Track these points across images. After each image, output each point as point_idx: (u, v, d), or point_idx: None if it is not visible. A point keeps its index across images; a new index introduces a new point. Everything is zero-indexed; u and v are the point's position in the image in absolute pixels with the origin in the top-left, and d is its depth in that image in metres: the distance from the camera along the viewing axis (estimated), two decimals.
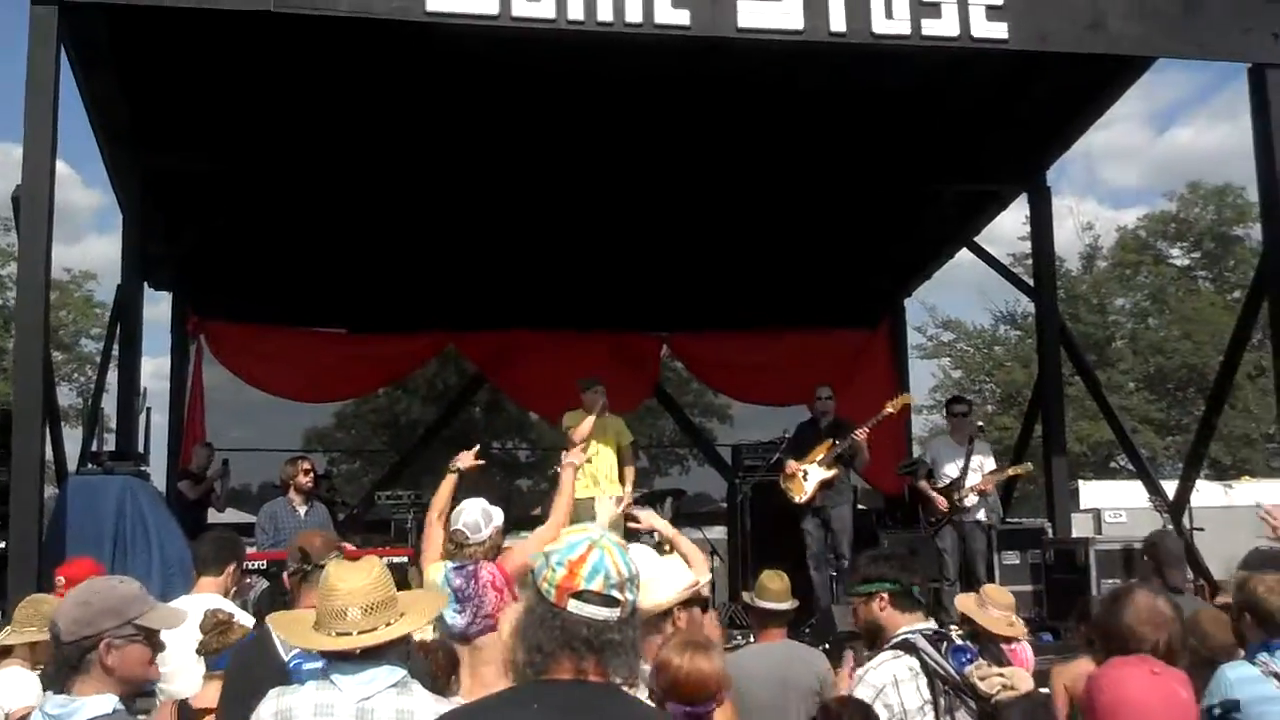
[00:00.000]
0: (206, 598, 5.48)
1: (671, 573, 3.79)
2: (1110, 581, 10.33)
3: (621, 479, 10.10)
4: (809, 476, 10.13)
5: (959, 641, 4.11)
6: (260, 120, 11.23)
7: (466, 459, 6.54)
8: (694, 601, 3.91)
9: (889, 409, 10.18)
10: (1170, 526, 10.99)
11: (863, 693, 3.97)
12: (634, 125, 11.51)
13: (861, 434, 10.05)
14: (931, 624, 4.26)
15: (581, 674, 2.25)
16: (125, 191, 11.71)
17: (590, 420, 9.81)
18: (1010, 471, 11.34)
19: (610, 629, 2.28)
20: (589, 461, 9.65)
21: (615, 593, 2.30)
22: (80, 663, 3.16)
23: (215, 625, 4.48)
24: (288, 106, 11.06)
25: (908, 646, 4.06)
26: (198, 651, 4.56)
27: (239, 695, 3.83)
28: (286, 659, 3.88)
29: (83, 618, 3.19)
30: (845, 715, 3.70)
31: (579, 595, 2.27)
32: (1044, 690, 4.00)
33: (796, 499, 10.14)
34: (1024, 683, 3.91)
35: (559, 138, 11.70)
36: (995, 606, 5.74)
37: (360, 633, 3.16)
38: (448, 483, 6.25)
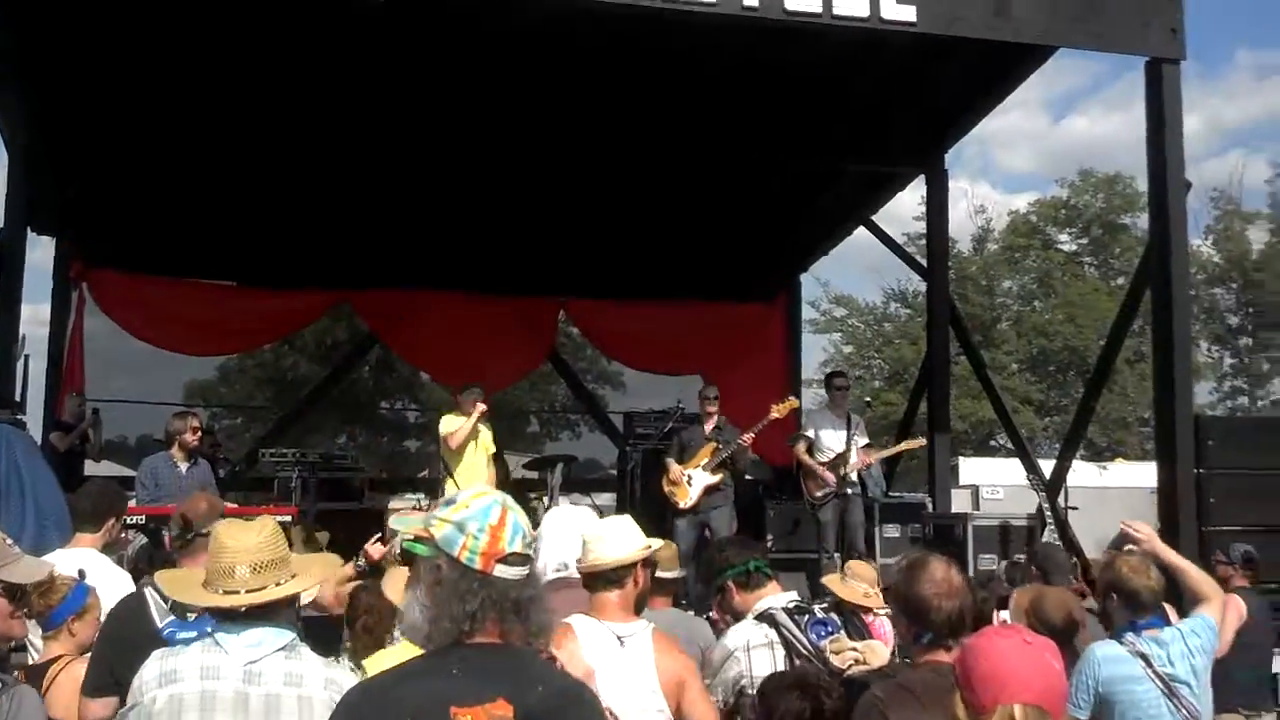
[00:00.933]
0: (82, 552, 5.36)
1: (623, 529, 3.88)
2: (987, 557, 10.64)
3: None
4: (693, 482, 10.10)
5: (820, 615, 4.21)
6: (153, 65, 10.86)
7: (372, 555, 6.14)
8: (649, 563, 4.01)
9: (775, 413, 10.20)
10: (1045, 505, 11.31)
11: (717, 654, 4.09)
12: (542, 90, 11.39)
13: (747, 439, 10.10)
14: (792, 595, 4.38)
15: (504, 635, 2.30)
16: (10, 131, 11.29)
17: (468, 424, 10.43)
18: (903, 446, 11.60)
19: (529, 585, 2.37)
20: (466, 472, 10.24)
21: (529, 551, 2.38)
22: None
23: (39, 589, 4.35)
24: (180, 51, 10.71)
25: (767, 618, 4.18)
26: (27, 616, 4.44)
27: (108, 658, 3.76)
28: (160, 625, 3.81)
29: None
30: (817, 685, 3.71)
31: (504, 559, 2.32)
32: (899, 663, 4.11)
33: (680, 504, 10.09)
34: (878, 657, 4.01)
35: (463, 97, 11.52)
36: (856, 578, 5.85)
37: (248, 591, 3.12)
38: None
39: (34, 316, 19.96)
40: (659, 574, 5.91)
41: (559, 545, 4.38)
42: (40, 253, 14.93)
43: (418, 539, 2.43)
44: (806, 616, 4.23)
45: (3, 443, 8.00)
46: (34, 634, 4.85)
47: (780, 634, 4.15)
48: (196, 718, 2.94)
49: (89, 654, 4.28)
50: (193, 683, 2.96)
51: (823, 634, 4.15)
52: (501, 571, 2.31)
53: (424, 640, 2.32)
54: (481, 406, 10.50)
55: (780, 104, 11.92)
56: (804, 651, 4.10)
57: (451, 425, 10.58)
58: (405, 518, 2.78)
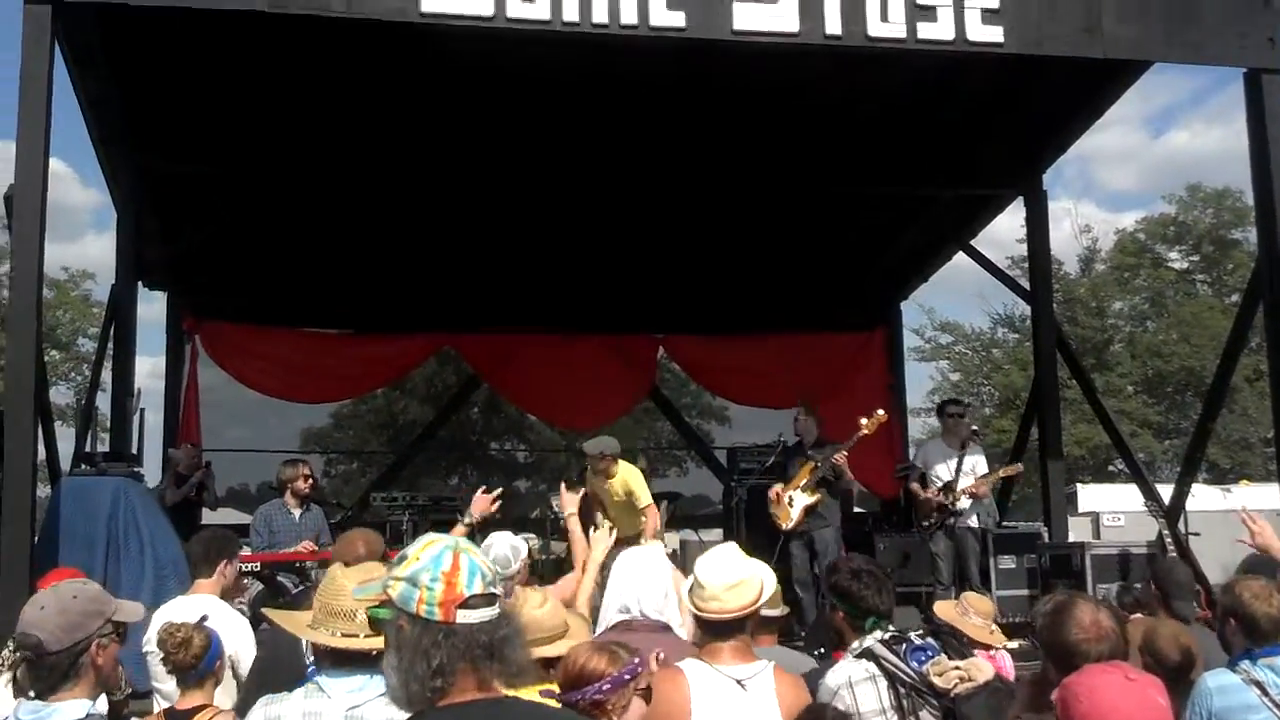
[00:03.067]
0: (201, 599, 5.46)
1: (738, 574, 3.85)
2: (1106, 587, 10.33)
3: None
4: (794, 503, 10.08)
5: (918, 642, 4.14)
6: (256, 121, 11.20)
7: (482, 505, 6.33)
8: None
9: (864, 429, 10.02)
10: (1165, 531, 10.96)
11: (820, 695, 4.04)
12: (632, 128, 11.49)
13: (840, 457, 9.96)
14: (889, 629, 4.32)
15: (483, 685, 2.21)
16: (120, 192, 11.69)
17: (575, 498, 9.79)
18: (1002, 472, 11.30)
19: (500, 625, 2.27)
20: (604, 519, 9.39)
21: (493, 589, 2.28)
22: (71, 668, 3.14)
23: (178, 644, 4.45)
24: (284, 107, 11.04)
25: (866, 653, 4.12)
26: (169, 671, 4.54)
27: (259, 690, 3.82)
28: (308, 662, 3.84)
29: (69, 624, 3.17)
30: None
31: (465, 604, 2.23)
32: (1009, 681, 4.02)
33: (783, 526, 10.08)
34: (982, 673, 3.91)
35: (557, 140, 11.68)
36: (976, 614, 5.73)
37: (367, 635, 3.08)
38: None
39: (150, 371, 20.61)
40: (766, 612, 5.89)
41: (625, 589, 4.32)
42: (154, 307, 15.41)
43: (380, 604, 2.35)
44: (904, 645, 4.16)
45: (121, 496, 8.26)
46: (159, 681, 4.98)
47: (881, 666, 4.08)
48: None
49: (230, 704, 4.37)
50: None
51: (922, 659, 4.08)
52: (465, 617, 2.22)
53: (403, 705, 2.25)
54: (600, 466, 9.59)
55: (871, 130, 11.85)
56: (909, 680, 4.03)
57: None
58: (366, 586, 2.71)
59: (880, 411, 10.18)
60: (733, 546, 4.11)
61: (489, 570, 2.30)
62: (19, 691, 3.18)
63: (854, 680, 4.06)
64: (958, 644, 4.43)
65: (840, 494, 10.42)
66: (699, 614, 3.78)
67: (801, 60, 9.20)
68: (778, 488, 10.23)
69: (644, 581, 4.27)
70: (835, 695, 4.05)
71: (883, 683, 4.05)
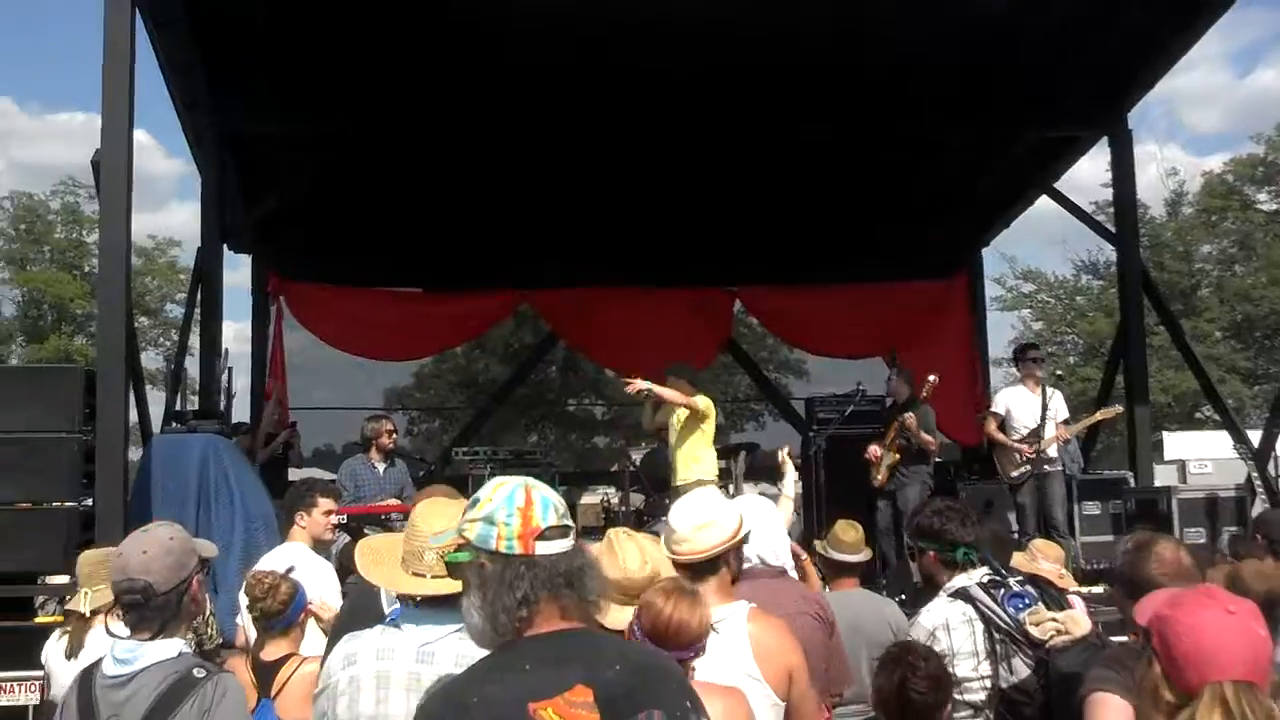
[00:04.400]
0: (286, 546, 5.63)
1: (715, 514, 3.75)
2: (1194, 530, 10.19)
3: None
4: (883, 461, 10.23)
5: (1016, 588, 4.10)
6: (336, 80, 11.27)
7: None
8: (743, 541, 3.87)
9: (923, 392, 10.09)
10: (1255, 475, 10.78)
11: (916, 634, 3.99)
12: (702, 79, 11.39)
13: (910, 419, 9.98)
14: (985, 571, 4.26)
15: (565, 615, 2.27)
16: (203, 156, 11.86)
17: (647, 408, 9.90)
18: (1099, 416, 11.11)
19: (576, 556, 2.33)
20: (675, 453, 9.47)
21: (566, 521, 2.35)
22: (179, 607, 3.28)
23: (265, 590, 4.56)
24: (363, 66, 11.09)
25: (963, 595, 4.08)
26: (255, 619, 4.65)
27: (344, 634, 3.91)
28: (387, 610, 3.92)
29: (175, 564, 3.29)
30: (910, 658, 3.68)
31: (542, 536, 2.29)
32: (1105, 635, 3.96)
33: (876, 484, 10.28)
34: (1079, 627, 3.87)
35: (632, 95, 11.61)
36: (1045, 559, 5.69)
37: (433, 577, 3.11)
38: None
39: (237, 333, 21.00)
40: (844, 557, 5.88)
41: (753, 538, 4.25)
42: (240, 272, 15.65)
43: (458, 549, 2.41)
44: (1002, 590, 4.13)
45: (211, 452, 8.45)
46: (245, 620, 5.11)
47: (978, 609, 4.05)
48: (372, 698, 2.98)
49: (317, 653, 4.49)
50: (369, 664, 3.01)
51: (1020, 606, 4.05)
52: (543, 549, 2.28)
53: (490, 643, 2.30)
54: (641, 384, 9.17)
55: (950, 71, 11.65)
56: (1004, 626, 4.00)
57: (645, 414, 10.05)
58: (441, 535, 2.74)
59: (933, 377, 10.10)
60: (710, 490, 4.06)
61: (560, 504, 2.36)
62: (118, 634, 3.29)
63: (951, 624, 4.03)
64: (1057, 593, 4.38)
65: (923, 455, 10.36)
66: (673, 558, 3.67)
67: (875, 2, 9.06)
68: (874, 447, 10.32)
69: (759, 527, 4.23)
70: (931, 636, 4.02)
71: (979, 626, 4.02)
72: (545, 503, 2.34)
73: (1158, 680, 2.48)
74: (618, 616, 3.30)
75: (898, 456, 10.15)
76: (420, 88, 11.49)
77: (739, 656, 3.52)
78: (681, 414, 9.47)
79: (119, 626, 3.40)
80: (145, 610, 3.22)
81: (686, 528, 3.71)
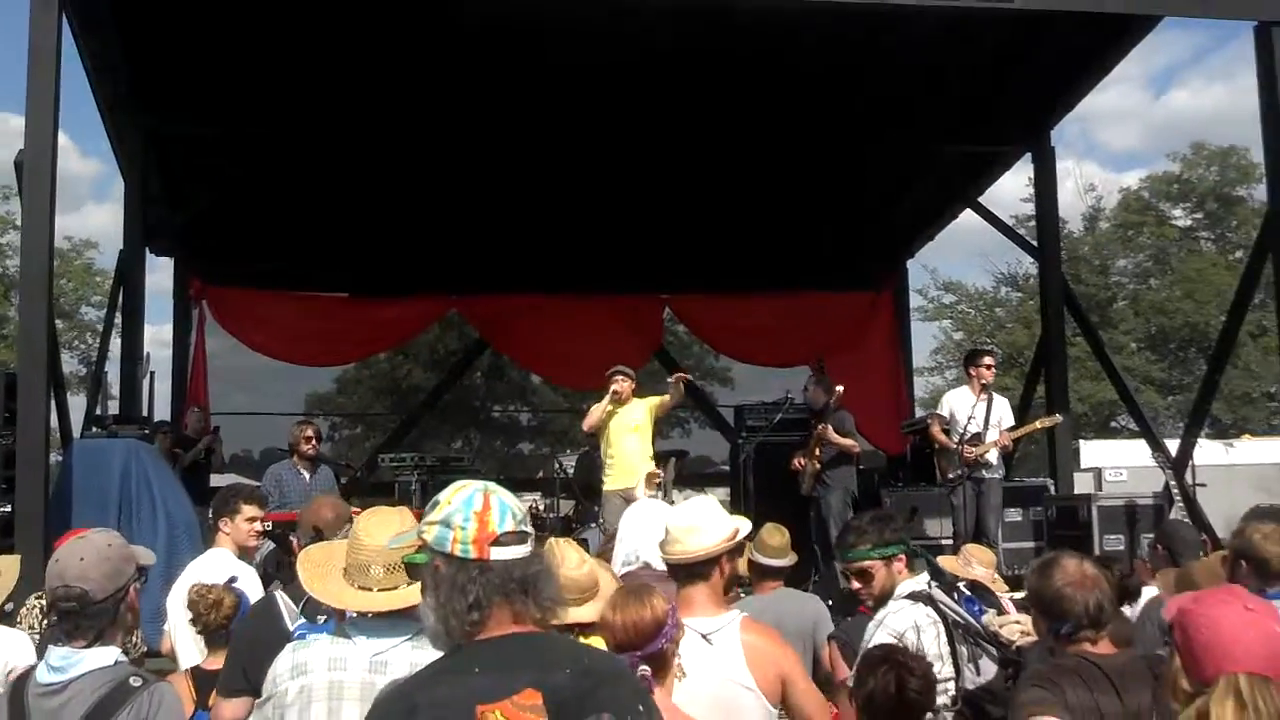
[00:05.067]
0: (214, 553, 5.55)
1: (709, 518, 3.80)
2: (1113, 537, 10.38)
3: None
4: (806, 471, 10.35)
5: (967, 592, 4.14)
6: (261, 82, 11.18)
7: None
8: (738, 550, 3.92)
9: (1038, 425, 10.57)
10: (1173, 483, 11.02)
11: (882, 638, 3.98)
12: (635, 89, 11.45)
13: (823, 429, 10.13)
14: (926, 577, 4.29)
15: (519, 619, 2.27)
16: (127, 158, 11.69)
17: (598, 407, 9.62)
18: (1040, 424, 11.18)
19: (532, 562, 2.32)
20: (611, 458, 9.52)
21: (524, 527, 2.33)
22: (115, 615, 3.21)
23: (209, 605, 4.50)
24: (291, 69, 11.01)
25: (924, 597, 4.10)
26: (199, 632, 4.58)
27: (241, 659, 3.85)
28: (292, 628, 3.88)
29: (112, 571, 3.23)
30: (900, 658, 3.68)
31: (497, 541, 2.29)
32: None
33: (803, 493, 10.38)
34: (1036, 630, 3.94)
35: (560, 102, 11.65)
36: (979, 564, 5.77)
37: (380, 590, 3.14)
38: None
39: (156, 337, 20.64)
40: (769, 561, 5.92)
41: (632, 539, 4.35)
42: (161, 274, 15.41)
43: (416, 551, 2.41)
44: (955, 594, 4.17)
45: (133, 457, 8.31)
46: (184, 640, 5.02)
47: (940, 612, 4.07)
48: (325, 708, 2.98)
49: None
50: (321, 674, 3.01)
51: (974, 610, 4.10)
52: (498, 554, 2.28)
53: (443, 645, 2.30)
54: (616, 386, 9.47)
55: (878, 87, 11.81)
56: (973, 628, 4.04)
57: (590, 410, 9.87)
58: (401, 536, 2.74)
59: (839, 388, 10.27)
60: (710, 499, 4.10)
61: (519, 509, 2.35)
62: (53, 643, 3.22)
63: (920, 625, 4.03)
64: (994, 601, 4.44)
65: (845, 459, 10.46)
66: (665, 559, 3.77)
67: (811, 17, 9.15)
68: (799, 458, 10.44)
69: (649, 532, 4.28)
70: (901, 638, 4.00)
71: (942, 628, 4.04)
72: (504, 508, 2.33)
73: (1177, 672, 2.56)
74: (583, 612, 3.38)
75: (818, 465, 10.25)
76: (348, 92, 11.41)
77: (733, 667, 3.56)
78: (638, 416, 9.53)
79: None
80: (81, 618, 3.16)
81: (679, 529, 3.74)
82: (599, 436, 9.78)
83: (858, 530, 4.39)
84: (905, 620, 4.04)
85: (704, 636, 3.60)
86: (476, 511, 2.31)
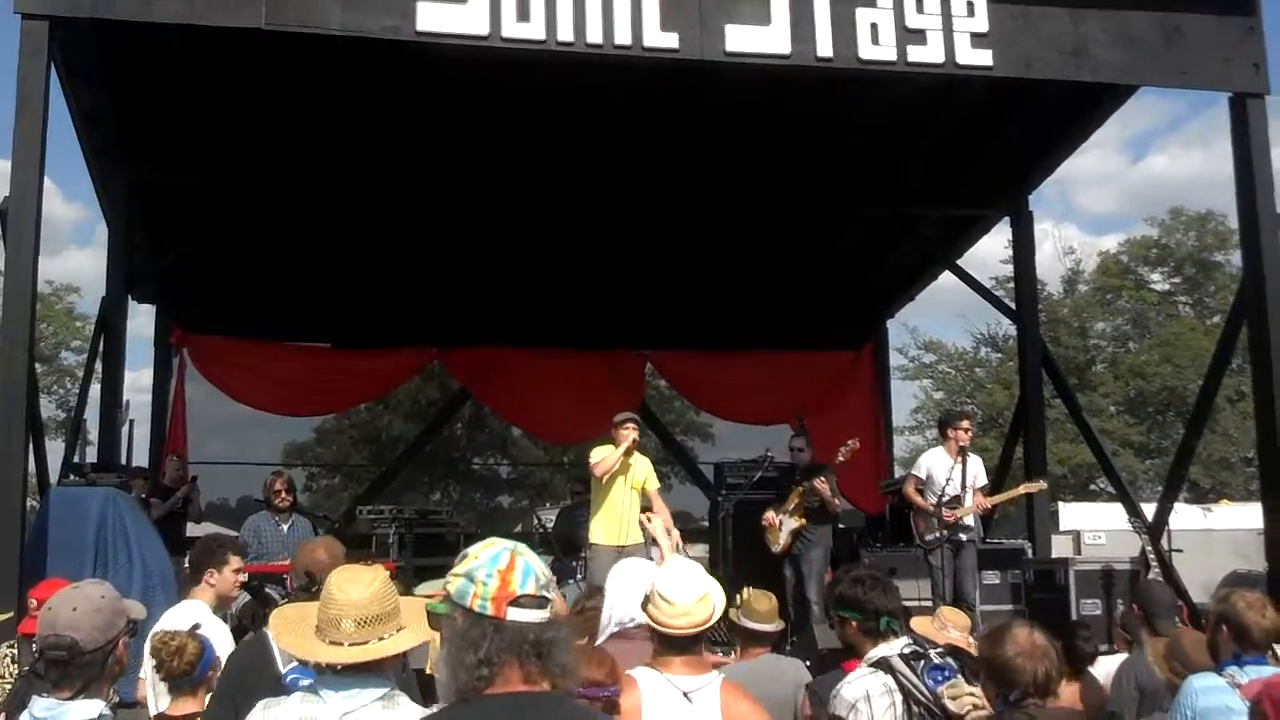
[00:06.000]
0: (187, 604, 5.51)
1: (693, 591, 3.81)
2: (1090, 601, 10.38)
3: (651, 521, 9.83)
4: (783, 527, 10.31)
5: (936, 660, 4.15)
6: (248, 135, 11.24)
7: None
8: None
9: (840, 457, 10.19)
10: (1149, 548, 11.04)
11: (837, 707, 4.03)
12: (620, 148, 11.55)
13: (819, 484, 10.14)
14: (905, 641, 4.31)
15: (529, 679, 2.28)
16: (111, 204, 11.71)
17: (617, 453, 9.48)
18: (1023, 489, 11.21)
19: (549, 628, 2.34)
20: (608, 511, 9.49)
21: (545, 593, 2.36)
22: (103, 667, 3.23)
23: (172, 652, 4.48)
24: (276, 122, 11.08)
25: (884, 665, 4.13)
26: (162, 678, 4.56)
27: (233, 700, 3.84)
28: (284, 670, 3.87)
29: (104, 623, 3.26)
30: None
31: (516, 602, 2.31)
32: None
33: (774, 549, 10.34)
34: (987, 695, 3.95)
35: (548, 157, 11.74)
36: (954, 627, 5.77)
37: (351, 644, 3.13)
38: None
39: (135, 383, 20.58)
40: (757, 626, 5.91)
41: (621, 599, 4.33)
42: (141, 320, 15.41)
43: (438, 600, 2.44)
44: (923, 662, 4.16)
45: (110, 505, 8.25)
46: (153, 689, 4.99)
47: (898, 681, 4.09)
48: None
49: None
50: None
51: (939, 679, 4.08)
52: (515, 615, 2.30)
53: (447, 696, 2.32)
54: (632, 434, 9.48)
55: (859, 151, 11.97)
56: (922, 699, 4.05)
57: (598, 454, 9.63)
58: (428, 583, 2.80)
59: (853, 442, 10.24)
60: (692, 563, 4.11)
61: (544, 575, 2.38)
62: (37, 693, 3.22)
63: (872, 694, 4.05)
64: (975, 666, 4.46)
65: (828, 517, 10.48)
66: (664, 629, 3.74)
67: (793, 80, 9.26)
68: (770, 513, 10.42)
69: (640, 592, 4.28)
70: (852, 709, 4.03)
71: (899, 697, 4.05)
72: (528, 570, 2.36)
73: None
74: None
75: (803, 521, 10.22)
76: (333, 145, 11.47)
77: None
78: (639, 474, 9.58)
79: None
80: (69, 668, 3.17)
81: (688, 601, 3.74)
82: (595, 486, 9.72)
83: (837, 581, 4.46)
84: (858, 690, 4.08)
85: (685, 694, 3.64)
86: (500, 569, 2.34)
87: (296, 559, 5.10)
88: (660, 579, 3.85)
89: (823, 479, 10.17)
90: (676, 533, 8.18)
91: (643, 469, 9.69)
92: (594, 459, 9.66)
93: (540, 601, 2.34)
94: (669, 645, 3.75)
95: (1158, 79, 9.15)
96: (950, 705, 3.94)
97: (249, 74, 10.17)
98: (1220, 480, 33.55)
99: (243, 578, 5.91)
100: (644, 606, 3.82)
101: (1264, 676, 4.27)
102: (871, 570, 4.63)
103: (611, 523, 9.46)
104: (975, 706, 3.91)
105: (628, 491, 9.53)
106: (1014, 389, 20.79)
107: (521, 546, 2.43)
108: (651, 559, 6.47)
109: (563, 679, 2.34)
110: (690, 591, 3.78)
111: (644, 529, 7.52)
